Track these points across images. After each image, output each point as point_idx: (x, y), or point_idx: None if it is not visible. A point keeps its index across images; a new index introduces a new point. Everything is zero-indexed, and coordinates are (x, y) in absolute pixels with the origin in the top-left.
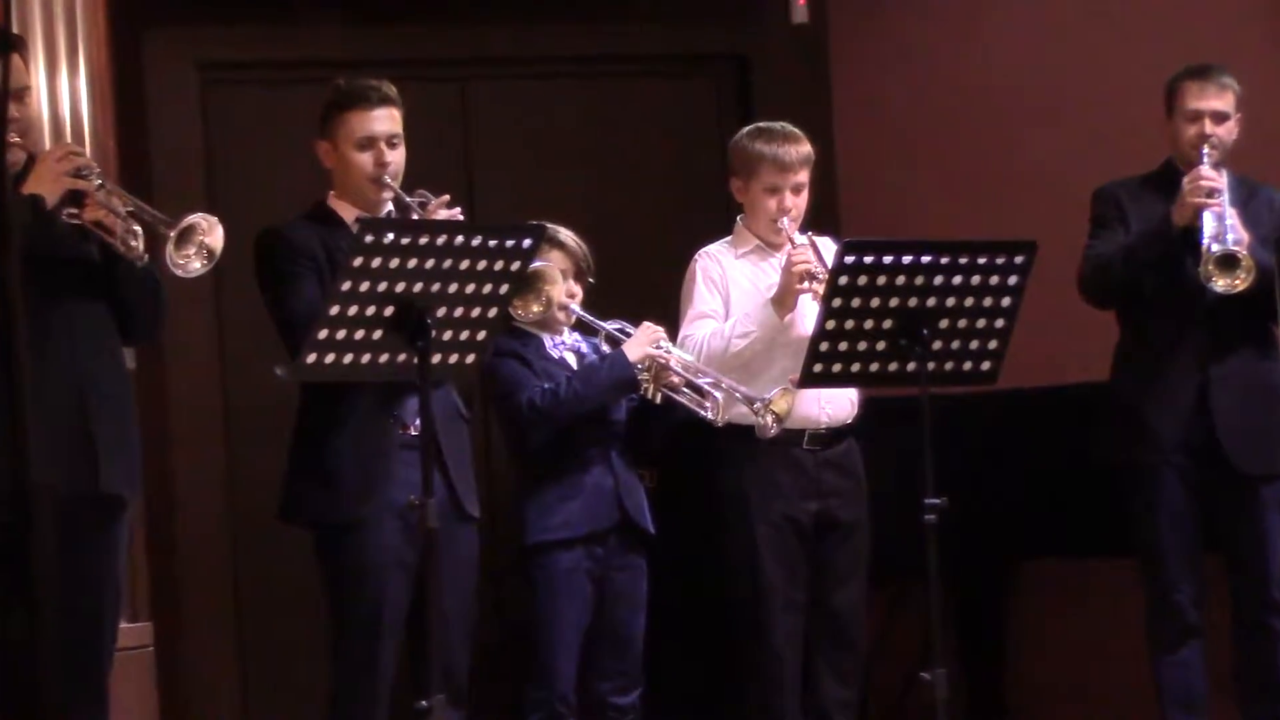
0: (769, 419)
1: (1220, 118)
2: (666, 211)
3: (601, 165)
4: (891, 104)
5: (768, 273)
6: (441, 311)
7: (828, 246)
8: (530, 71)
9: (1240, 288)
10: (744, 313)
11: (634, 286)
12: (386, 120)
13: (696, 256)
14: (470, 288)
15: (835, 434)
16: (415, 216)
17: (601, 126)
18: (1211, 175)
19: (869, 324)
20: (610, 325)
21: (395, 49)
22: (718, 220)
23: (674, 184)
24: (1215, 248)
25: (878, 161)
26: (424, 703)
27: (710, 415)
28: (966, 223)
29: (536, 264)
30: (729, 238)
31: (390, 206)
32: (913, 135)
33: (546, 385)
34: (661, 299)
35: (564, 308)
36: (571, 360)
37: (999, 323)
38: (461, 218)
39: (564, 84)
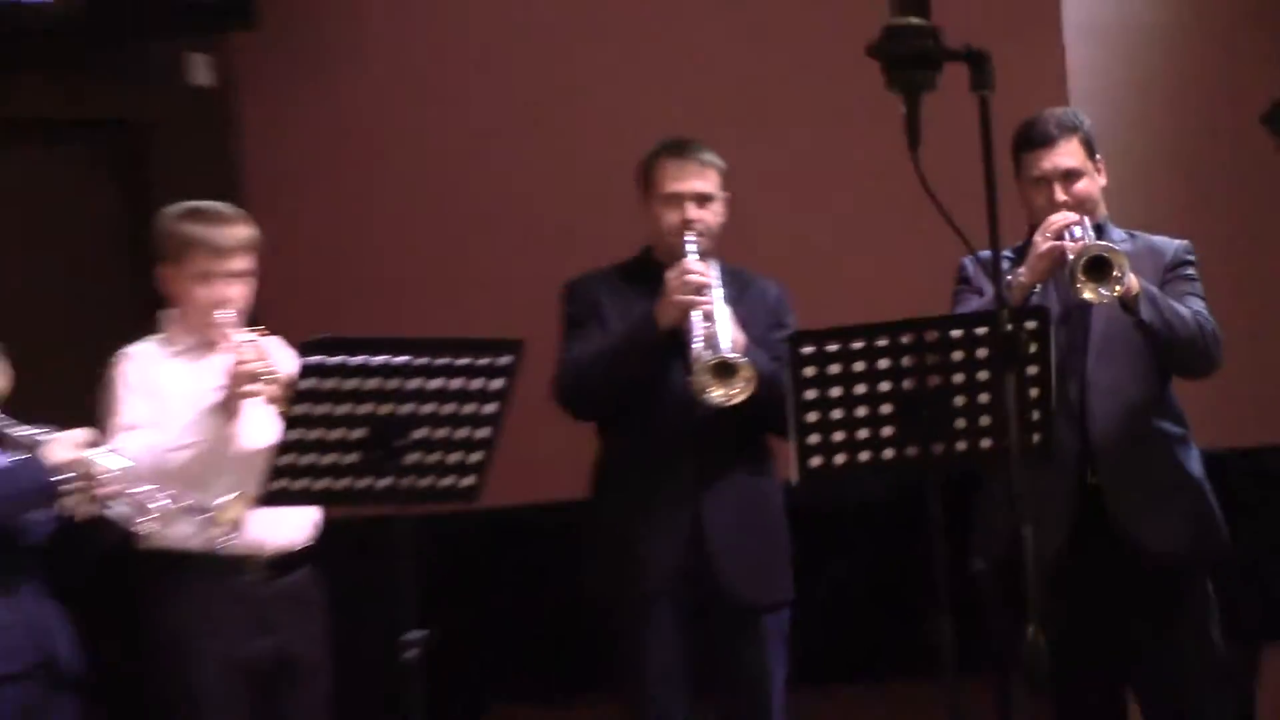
0: (222, 528)
1: (705, 200)
2: (56, 300)
3: None
4: (319, 186)
5: (207, 375)
6: None
7: (277, 346)
8: None
9: (738, 398)
10: (181, 423)
11: (25, 398)
12: None
13: (116, 358)
14: None
15: (289, 560)
16: None
17: None
18: (699, 268)
19: (336, 434)
20: (25, 430)
21: None
22: (130, 316)
23: (58, 266)
24: (707, 354)
25: (299, 255)
26: None
27: (148, 529)
28: (415, 323)
29: None
30: (158, 335)
31: None
32: (341, 225)
33: None
34: (58, 403)
35: None
36: None
37: (481, 432)
38: None
39: None
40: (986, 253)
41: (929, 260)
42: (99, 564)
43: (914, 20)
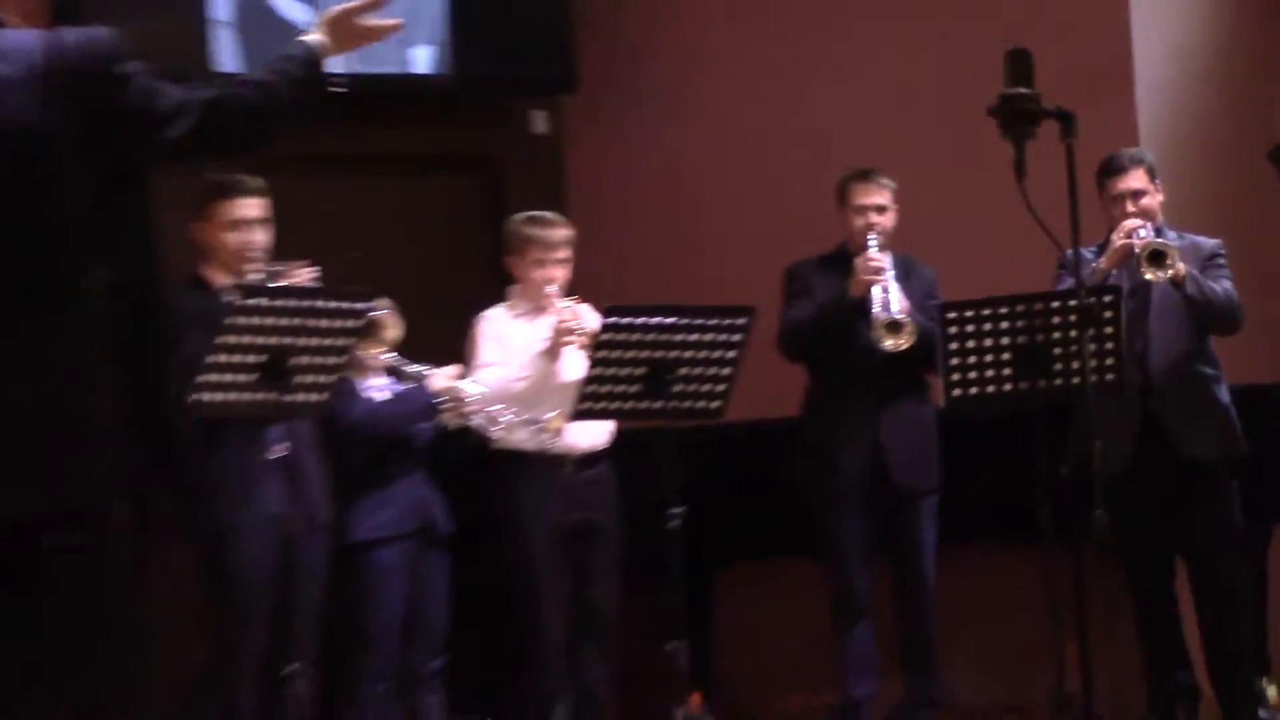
0: (549, 434)
1: (882, 210)
2: (443, 283)
3: (388, 247)
4: (619, 201)
5: (539, 330)
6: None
7: (587, 310)
8: (329, 168)
9: (904, 346)
10: (520, 362)
11: (414, 346)
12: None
13: (478, 319)
14: (325, 340)
15: (593, 457)
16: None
17: (385, 216)
18: (878, 257)
19: (625, 371)
20: (414, 367)
21: None
22: (488, 290)
23: (441, 257)
24: (883, 315)
25: (603, 248)
26: (292, 667)
27: (498, 435)
28: (682, 294)
29: (376, 312)
30: (508, 302)
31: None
32: (635, 225)
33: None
34: (438, 348)
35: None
36: (377, 399)
37: (725, 370)
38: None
39: (357, 179)
40: (1073, 250)
41: (1032, 255)
42: (464, 460)
43: (1021, 89)
